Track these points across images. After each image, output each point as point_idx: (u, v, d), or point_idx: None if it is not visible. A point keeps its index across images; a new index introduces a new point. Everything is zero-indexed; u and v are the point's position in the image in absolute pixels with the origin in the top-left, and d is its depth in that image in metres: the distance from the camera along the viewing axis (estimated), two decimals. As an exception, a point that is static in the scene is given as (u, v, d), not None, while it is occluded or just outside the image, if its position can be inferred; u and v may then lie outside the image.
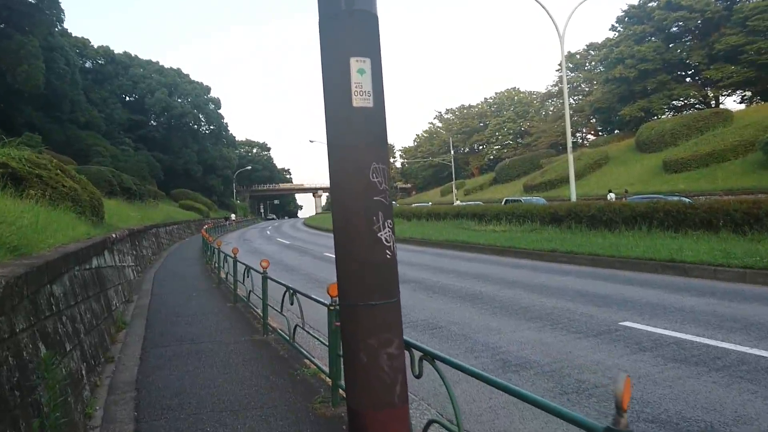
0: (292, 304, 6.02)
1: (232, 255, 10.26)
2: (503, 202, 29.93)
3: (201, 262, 20.10)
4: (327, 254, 20.57)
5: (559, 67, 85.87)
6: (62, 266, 5.19)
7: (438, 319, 8.37)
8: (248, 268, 8.76)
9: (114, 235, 10.79)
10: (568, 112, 21.69)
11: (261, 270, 7.42)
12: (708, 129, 42.20)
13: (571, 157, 21.23)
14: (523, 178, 60.07)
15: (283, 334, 6.72)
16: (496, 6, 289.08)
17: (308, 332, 6.08)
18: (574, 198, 21.35)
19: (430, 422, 3.11)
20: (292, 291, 5.96)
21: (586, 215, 17.60)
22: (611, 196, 32.47)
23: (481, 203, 31.62)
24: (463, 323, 7.98)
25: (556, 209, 19.26)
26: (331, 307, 4.67)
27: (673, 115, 56.35)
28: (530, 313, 8.28)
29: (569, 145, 21.06)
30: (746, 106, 56.80)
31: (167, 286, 13.44)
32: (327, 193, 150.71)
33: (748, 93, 60.20)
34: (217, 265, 14.53)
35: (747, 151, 34.12)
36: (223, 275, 12.65)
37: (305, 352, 5.87)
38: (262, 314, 7.46)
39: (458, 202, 40.81)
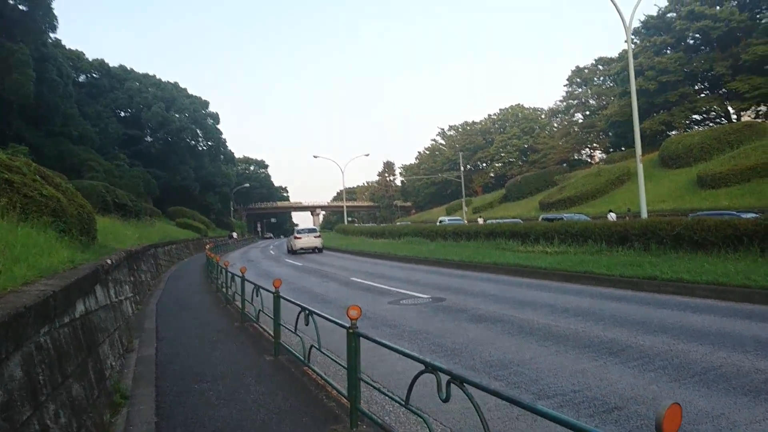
0: (446, 401, 3.21)
1: (274, 289, 7.42)
2: (539, 220, 27.24)
3: (208, 287, 17.25)
4: (354, 279, 17.78)
5: (567, 83, 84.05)
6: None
7: (590, 388, 5.58)
8: (307, 312, 5.92)
9: (109, 261, 7.99)
10: (636, 110, 18.96)
11: (348, 324, 4.61)
12: (740, 143, 39.85)
13: (640, 166, 18.54)
14: (537, 195, 57.54)
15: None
16: (499, 22, 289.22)
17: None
18: (644, 214, 18.64)
19: None
20: (451, 379, 3.14)
21: (668, 234, 14.86)
22: (612, 216, 30.20)
23: (520, 221, 28.73)
24: (642, 398, 5.19)
25: (627, 227, 16.50)
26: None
27: (685, 131, 54.11)
28: (733, 380, 5.51)
29: (638, 152, 18.35)
30: (762, 121, 54.57)
31: (176, 323, 10.58)
32: (324, 212, 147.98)
33: (764, 108, 58.10)
34: (236, 294, 11.73)
35: (795, 165, 31.66)
36: (251, 311, 9.78)
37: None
38: (347, 395, 4.64)
39: (481, 221, 38.08)
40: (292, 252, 35.81)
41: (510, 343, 7.76)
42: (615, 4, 18.46)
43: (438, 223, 35.96)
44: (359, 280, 17.55)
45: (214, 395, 5.67)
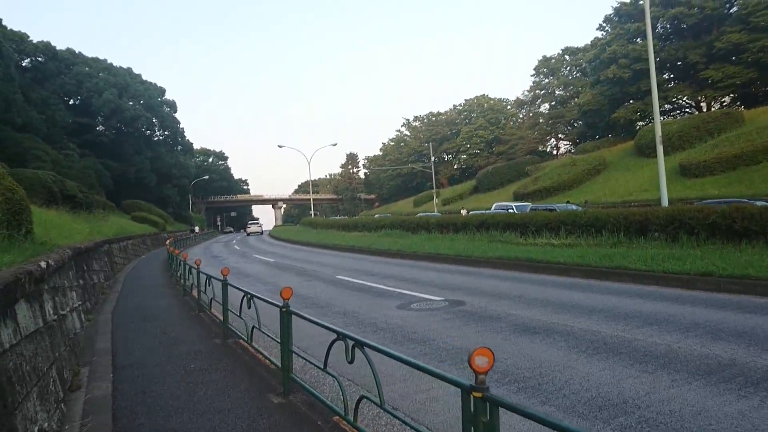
0: None
1: (281, 301, 5.26)
2: (528, 210, 25.55)
3: (173, 289, 14.91)
4: (341, 277, 15.67)
5: (534, 72, 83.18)
6: None
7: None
8: (352, 343, 3.83)
9: (44, 263, 5.70)
10: (654, 85, 17.38)
11: (468, 381, 2.54)
12: (720, 131, 39.10)
13: (660, 147, 16.94)
14: (509, 186, 56.25)
15: None
16: (464, 11, 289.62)
17: None
18: (665, 202, 17.08)
19: None
20: None
21: (701, 224, 13.22)
22: (572, 206, 28.93)
23: (516, 210, 26.73)
24: None
25: (648, 216, 14.83)
26: None
27: (655, 119, 53.34)
28: None
29: (658, 134, 16.76)
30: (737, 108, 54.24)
31: (138, 340, 8.31)
32: (285, 205, 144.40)
33: (727, 98, 57.96)
34: (213, 301, 9.58)
35: (781, 153, 30.86)
36: (236, 324, 7.61)
37: None
38: None
39: (464, 212, 36.25)
40: (247, 235, 64.86)
41: (594, 367, 5.82)
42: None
43: (493, 211, 28.99)
44: (347, 278, 15.44)
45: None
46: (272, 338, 5.87)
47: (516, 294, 10.78)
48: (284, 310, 5.25)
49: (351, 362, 3.86)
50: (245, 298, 6.64)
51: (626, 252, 13.34)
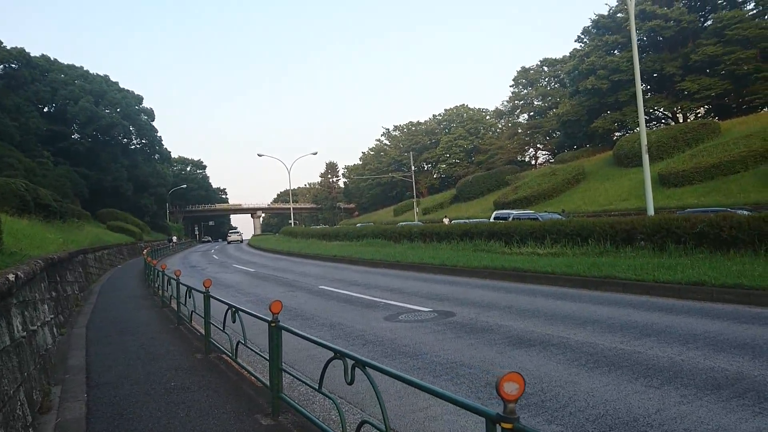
0: None
1: (270, 315, 4.92)
2: (510, 219, 25.43)
3: (151, 300, 14.43)
4: (324, 288, 15.33)
5: (513, 83, 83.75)
6: None
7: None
8: (350, 362, 3.52)
9: (12, 276, 5.30)
10: (640, 95, 17.41)
11: (495, 412, 2.25)
12: (697, 141, 39.61)
13: (646, 156, 16.98)
14: (490, 195, 56.33)
15: None
16: (443, 22, 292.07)
17: None
18: (651, 211, 17.08)
19: None
20: None
21: (689, 232, 13.15)
22: (555, 215, 28.96)
23: (517, 217, 25.97)
24: None
25: (635, 225, 14.75)
26: None
27: (634, 131, 54.13)
28: None
29: (644, 143, 16.79)
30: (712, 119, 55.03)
31: (114, 356, 7.87)
32: (264, 214, 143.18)
33: (702, 110, 58.87)
34: (194, 314, 9.19)
35: (757, 163, 31.24)
36: (218, 338, 7.24)
37: None
38: None
39: (446, 220, 36.08)
40: (228, 243, 70.58)
41: (597, 381, 5.58)
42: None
43: (493, 219, 27.07)
44: (330, 288, 15.10)
45: None
46: (258, 354, 5.55)
47: (505, 304, 10.55)
48: (273, 324, 4.91)
49: (351, 383, 3.56)
50: (229, 311, 6.28)
51: (614, 261, 13.23)
